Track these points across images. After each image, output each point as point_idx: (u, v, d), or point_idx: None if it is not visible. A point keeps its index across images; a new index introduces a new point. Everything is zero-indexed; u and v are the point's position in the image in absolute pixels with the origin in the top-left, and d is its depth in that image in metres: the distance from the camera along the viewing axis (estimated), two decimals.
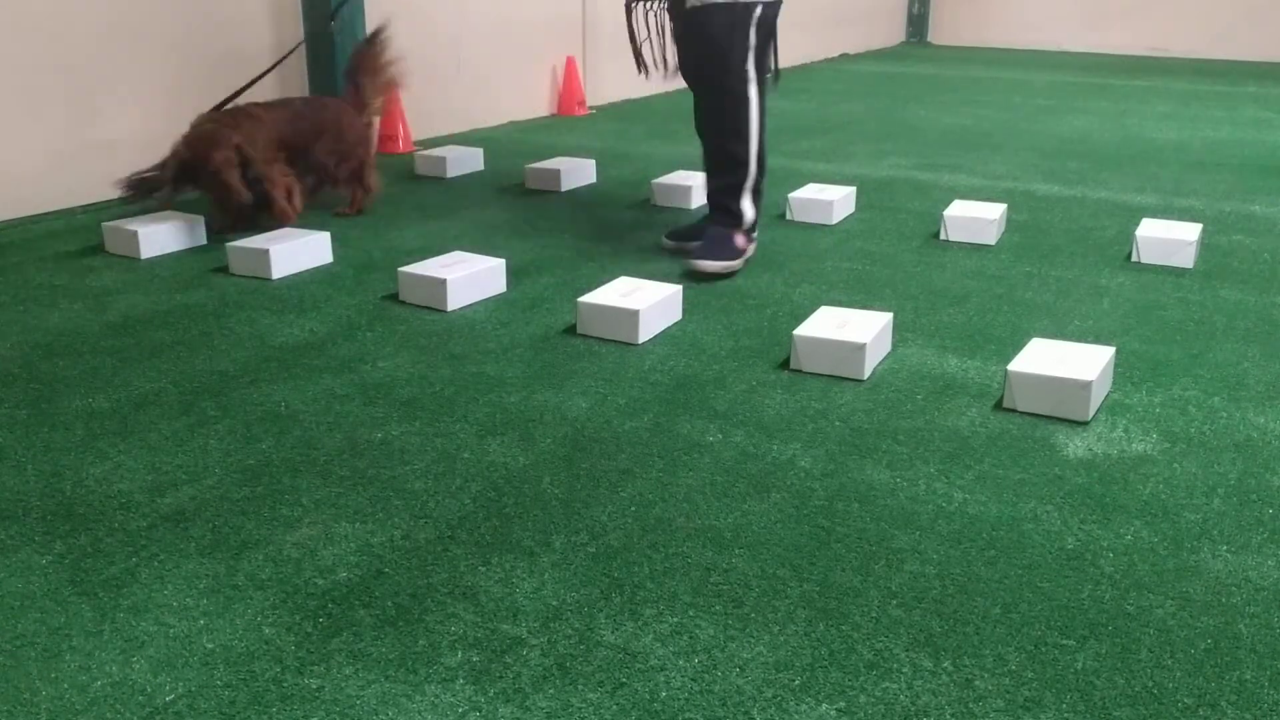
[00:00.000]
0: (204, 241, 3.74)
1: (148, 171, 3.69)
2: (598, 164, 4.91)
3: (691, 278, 3.39)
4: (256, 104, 3.88)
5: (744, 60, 3.35)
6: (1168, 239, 3.62)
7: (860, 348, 2.64)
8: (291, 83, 4.84)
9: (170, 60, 4.48)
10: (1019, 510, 2.07)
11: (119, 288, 3.30)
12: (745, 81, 3.37)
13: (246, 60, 4.77)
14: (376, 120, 4.33)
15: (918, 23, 11.79)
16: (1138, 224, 3.84)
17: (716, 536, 1.97)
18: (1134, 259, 3.65)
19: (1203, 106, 7.21)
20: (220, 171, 3.52)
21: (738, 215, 3.50)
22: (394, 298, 3.22)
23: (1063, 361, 2.52)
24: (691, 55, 3.46)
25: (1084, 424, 2.43)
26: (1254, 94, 7.86)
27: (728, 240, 3.48)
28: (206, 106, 3.83)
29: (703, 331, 2.98)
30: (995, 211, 3.95)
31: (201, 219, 3.77)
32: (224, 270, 3.45)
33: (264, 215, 3.73)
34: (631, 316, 2.87)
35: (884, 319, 2.83)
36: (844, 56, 10.36)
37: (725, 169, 3.49)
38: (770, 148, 3.86)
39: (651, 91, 7.48)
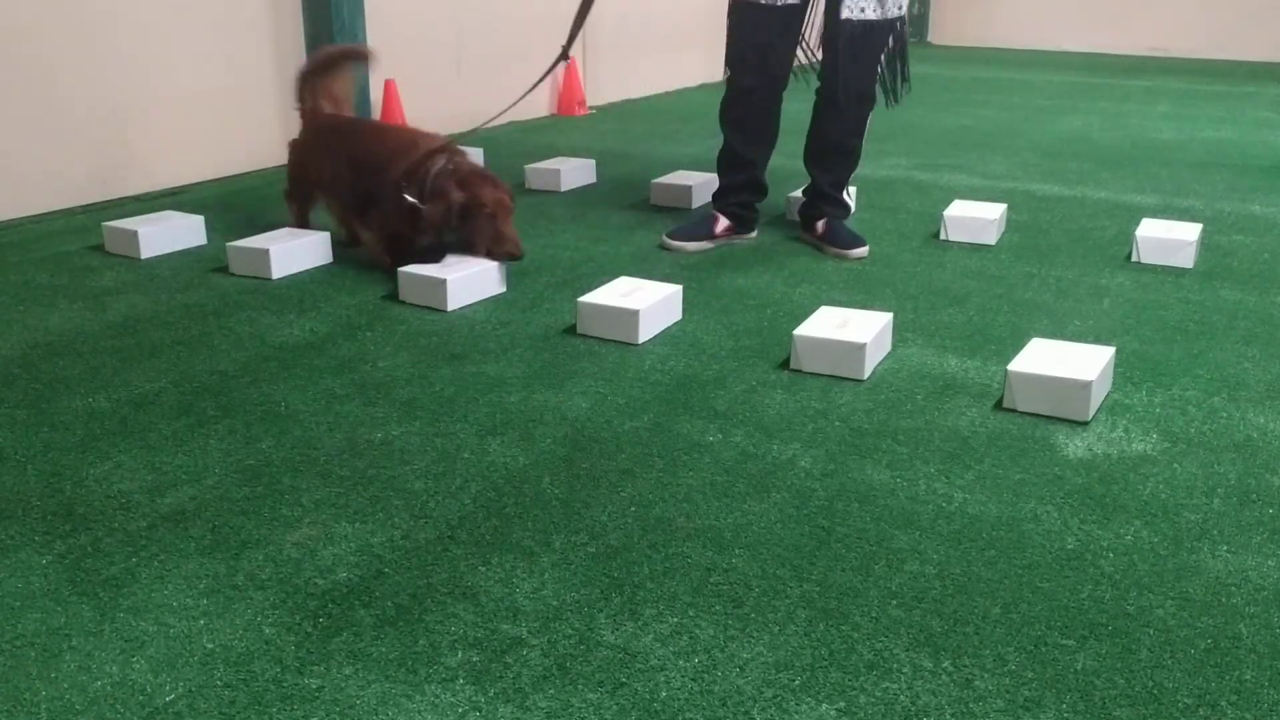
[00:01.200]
0: (204, 241, 3.74)
1: (428, 227, 3.33)
2: (598, 164, 4.91)
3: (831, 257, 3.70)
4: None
5: (881, 67, 3.68)
6: (1168, 239, 3.62)
7: (860, 348, 2.64)
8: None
9: (170, 60, 4.48)
10: (1019, 510, 2.07)
11: (119, 288, 3.30)
12: (875, 84, 3.69)
13: (247, 61, 4.78)
14: None
15: (918, 23, 11.78)
16: (1138, 224, 3.84)
17: (716, 536, 1.97)
18: (1134, 259, 3.65)
19: (1203, 106, 7.21)
20: (496, 216, 3.31)
21: (847, 206, 3.92)
22: (394, 298, 3.22)
23: (1063, 361, 2.52)
24: (865, 63, 3.59)
25: (1084, 424, 2.43)
26: (1254, 94, 7.86)
27: (852, 230, 3.83)
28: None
29: (703, 331, 2.98)
30: (995, 211, 3.95)
31: (201, 219, 3.77)
32: (224, 270, 3.45)
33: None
34: (631, 316, 2.87)
35: (884, 319, 2.83)
36: None
37: (841, 163, 3.84)
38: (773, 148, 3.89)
39: (651, 91, 7.49)
